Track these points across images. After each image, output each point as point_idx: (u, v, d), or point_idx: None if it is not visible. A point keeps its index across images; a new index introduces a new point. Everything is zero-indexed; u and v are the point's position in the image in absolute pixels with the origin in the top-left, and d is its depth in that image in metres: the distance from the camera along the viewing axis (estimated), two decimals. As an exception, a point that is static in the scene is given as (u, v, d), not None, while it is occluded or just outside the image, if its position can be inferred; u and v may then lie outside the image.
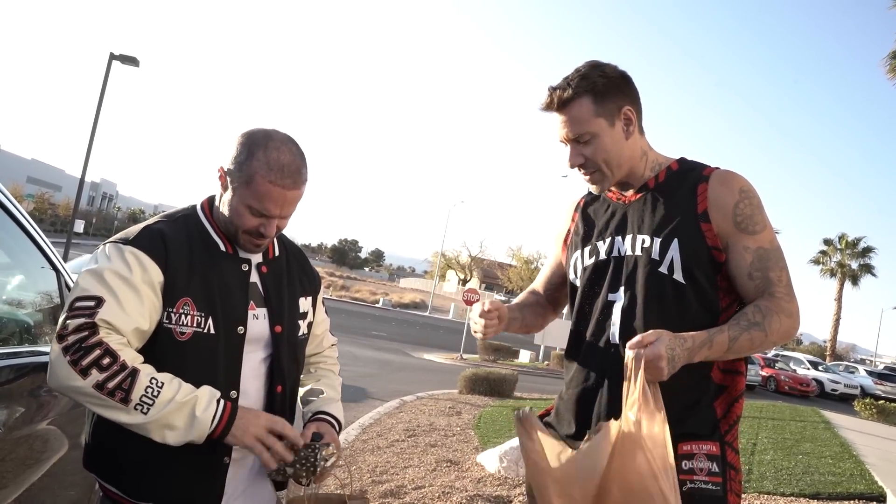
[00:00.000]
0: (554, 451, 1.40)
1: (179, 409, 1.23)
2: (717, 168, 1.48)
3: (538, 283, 1.81)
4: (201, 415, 1.24)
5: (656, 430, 1.25)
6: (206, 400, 1.26)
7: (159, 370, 1.31)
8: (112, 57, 15.27)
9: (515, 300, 1.77)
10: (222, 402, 1.28)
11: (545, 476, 1.39)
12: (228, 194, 1.37)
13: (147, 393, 1.21)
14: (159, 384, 1.23)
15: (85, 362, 1.19)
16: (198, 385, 1.30)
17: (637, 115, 1.49)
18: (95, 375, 1.19)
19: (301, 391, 1.60)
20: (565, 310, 1.81)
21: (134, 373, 1.21)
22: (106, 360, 1.20)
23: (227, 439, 1.28)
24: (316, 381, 1.62)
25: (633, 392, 1.28)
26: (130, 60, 15.36)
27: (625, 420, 1.29)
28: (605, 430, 1.32)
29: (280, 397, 1.46)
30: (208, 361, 1.35)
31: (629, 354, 1.30)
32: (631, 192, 1.53)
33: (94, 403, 1.21)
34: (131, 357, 1.24)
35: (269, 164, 1.31)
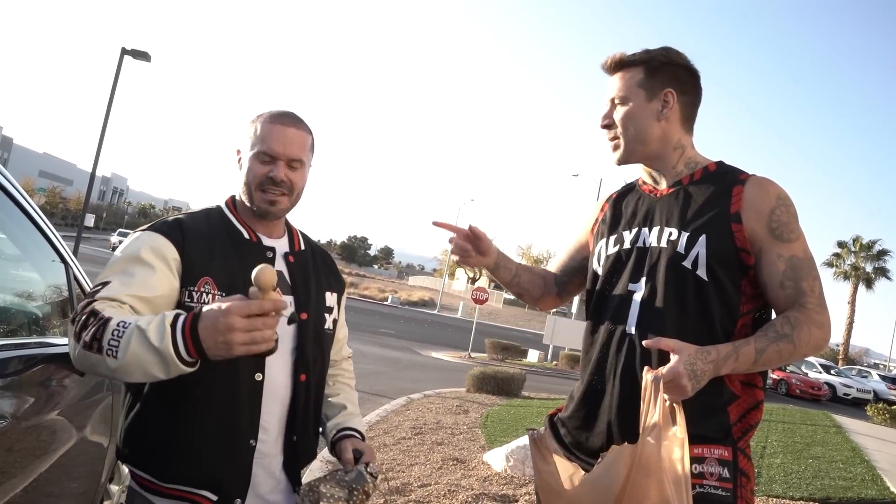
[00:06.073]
0: (567, 472, 1.39)
1: (141, 346, 1.14)
2: (755, 174, 1.47)
3: (553, 265, 1.84)
4: (160, 345, 1.12)
5: (675, 454, 1.21)
6: (155, 330, 1.13)
7: None
8: (124, 52, 15.37)
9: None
10: (178, 327, 1.13)
11: (558, 498, 1.38)
12: (244, 162, 1.46)
13: (114, 335, 1.15)
14: (125, 325, 1.16)
15: (78, 327, 1.22)
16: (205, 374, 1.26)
17: (681, 105, 1.50)
18: (83, 337, 1.19)
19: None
20: (574, 309, 1.80)
21: (106, 321, 1.18)
22: (91, 320, 1.20)
23: (213, 357, 1.13)
24: (336, 396, 1.63)
25: (652, 416, 1.25)
26: (142, 55, 15.45)
27: (642, 445, 1.25)
28: (619, 454, 1.29)
29: (304, 386, 1.45)
30: None
31: (647, 378, 1.27)
32: (664, 186, 1.53)
33: (94, 366, 1.19)
34: (112, 313, 1.21)
35: (270, 114, 1.46)
